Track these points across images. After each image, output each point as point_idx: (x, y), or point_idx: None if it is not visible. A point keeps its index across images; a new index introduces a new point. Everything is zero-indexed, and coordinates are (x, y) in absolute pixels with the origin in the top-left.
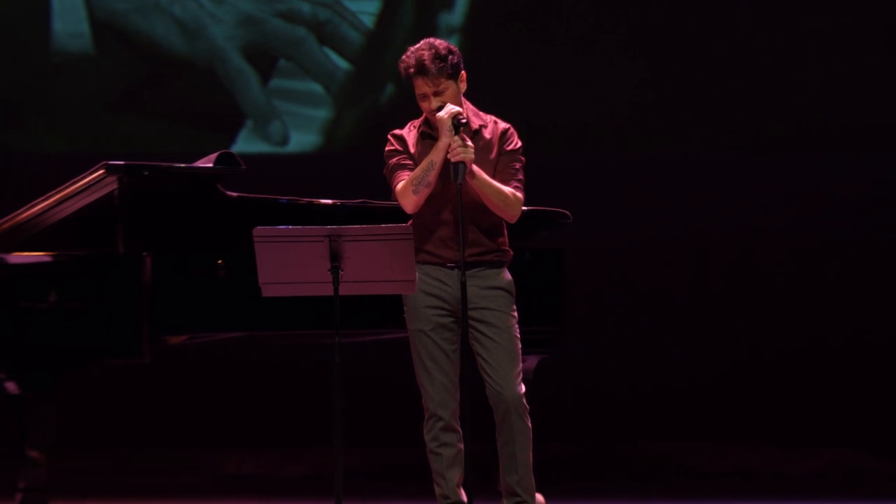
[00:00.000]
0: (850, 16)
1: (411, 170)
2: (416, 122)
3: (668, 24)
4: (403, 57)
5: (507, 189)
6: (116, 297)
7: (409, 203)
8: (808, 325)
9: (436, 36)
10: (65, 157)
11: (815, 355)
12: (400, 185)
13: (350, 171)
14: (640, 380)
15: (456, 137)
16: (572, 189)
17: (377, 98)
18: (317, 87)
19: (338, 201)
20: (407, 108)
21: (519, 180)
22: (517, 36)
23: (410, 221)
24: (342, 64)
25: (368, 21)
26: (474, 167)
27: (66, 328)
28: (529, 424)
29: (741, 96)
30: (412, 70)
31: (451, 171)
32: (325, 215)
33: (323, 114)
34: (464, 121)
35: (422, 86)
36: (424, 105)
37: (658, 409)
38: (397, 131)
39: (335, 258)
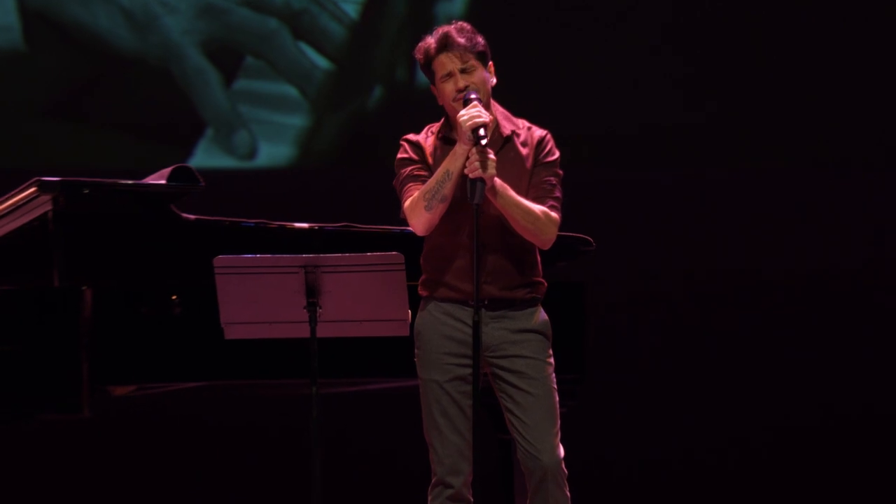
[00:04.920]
0: None
1: (426, 182)
2: (435, 127)
3: (698, 18)
4: (420, 43)
5: (537, 208)
6: (50, 340)
7: (421, 222)
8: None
9: (434, 29)
10: None
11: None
12: (409, 200)
13: (330, 190)
14: (669, 445)
15: (475, 149)
16: (578, 206)
17: (363, 103)
18: (291, 90)
19: (315, 225)
20: (399, 114)
21: (555, 198)
22: (525, 29)
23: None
24: (321, 62)
25: (353, 11)
26: (497, 182)
27: None
28: (568, 494)
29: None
30: (434, 48)
31: (468, 189)
32: (301, 241)
33: (298, 121)
34: (484, 139)
35: (446, 63)
36: (449, 87)
37: (697, 481)
38: (412, 136)
39: (312, 293)
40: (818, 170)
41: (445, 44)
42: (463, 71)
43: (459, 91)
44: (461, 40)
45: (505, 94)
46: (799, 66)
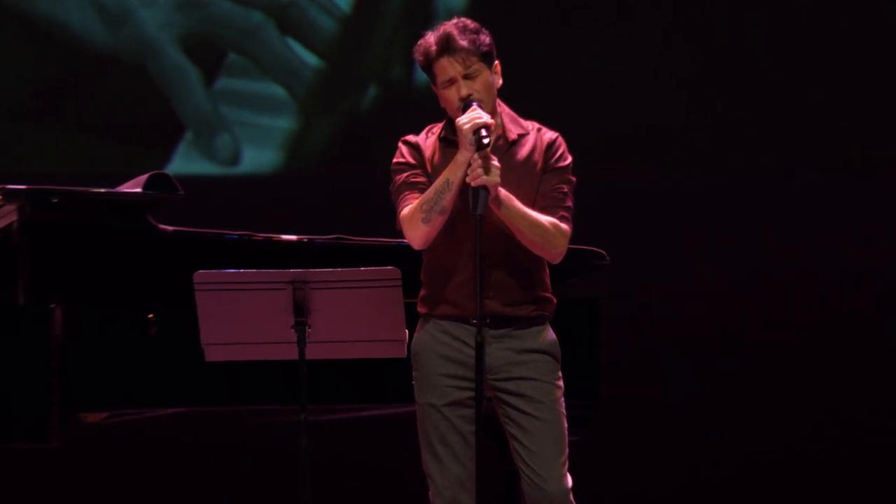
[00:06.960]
0: None
1: (424, 190)
2: (436, 128)
3: (699, 18)
4: (420, 41)
5: (545, 219)
6: (15, 362)
7: (418, 235)
8: None
9: (433, 23)
10: None
11: None
12: (406, 210)
13: (320, 198)
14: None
15: (477, 154)
16: (585, 215)
17: (356, 103)
18: (277, 90)
19: (304, 237)
20: (395, 115)
21: (566, 207)
22: (531, 23)
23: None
24: (310, 59)
25: (344, 3)
26: (502, 192)
27: None
28: None
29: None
30: (434, 49)
31: (470, 198)
32: (288, 255)
33: (285, 123)
34: (486, 140)
35: (448, 68)
36: (450, 94)
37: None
38: (411, 138)
39: (301, 311)
40: (848, 174)
41: (447, 46)
42: (466, 76)
43: (462, 100)
44: (464, 42)
45: (505, 94)
46: (805, 64)
